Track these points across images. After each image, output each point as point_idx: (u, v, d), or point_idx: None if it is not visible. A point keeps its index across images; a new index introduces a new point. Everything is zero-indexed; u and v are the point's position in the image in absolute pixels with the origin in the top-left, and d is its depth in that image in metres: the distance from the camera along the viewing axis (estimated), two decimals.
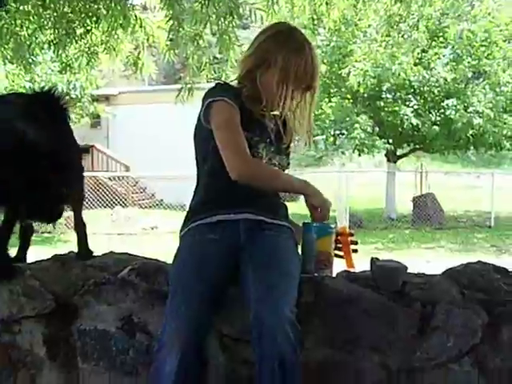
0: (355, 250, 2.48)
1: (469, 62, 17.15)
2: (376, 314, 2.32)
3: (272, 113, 2.48)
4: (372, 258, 2.46)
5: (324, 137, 17.40)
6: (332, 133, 17.67)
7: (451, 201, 18.74)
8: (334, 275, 2.46)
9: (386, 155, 19.23)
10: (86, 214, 2.60)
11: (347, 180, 17.45)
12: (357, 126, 16.69)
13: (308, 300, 2.27)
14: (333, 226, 2.43)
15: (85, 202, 2.70)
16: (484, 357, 2.39)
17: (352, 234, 2.52)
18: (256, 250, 2.24)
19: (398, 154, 19.47)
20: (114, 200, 17.16)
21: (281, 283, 2.12)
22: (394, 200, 18.58)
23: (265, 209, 2.36)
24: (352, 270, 2.45)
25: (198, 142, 2.45)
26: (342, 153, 19.10)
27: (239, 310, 2.23)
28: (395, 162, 19.46)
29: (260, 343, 1.99)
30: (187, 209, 2.44)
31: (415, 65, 16.94)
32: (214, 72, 5.38)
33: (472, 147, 18.39)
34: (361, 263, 2.49)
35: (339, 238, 2.48)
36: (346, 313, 2.28)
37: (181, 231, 2.39)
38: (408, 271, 2.46)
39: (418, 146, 19.12)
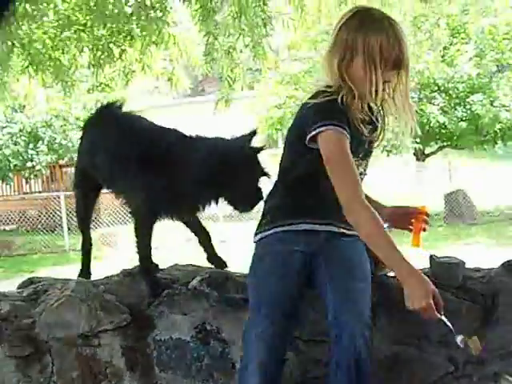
0: (424, 229, 2.53)
1: (492, 56, 17.09)
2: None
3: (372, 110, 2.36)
4: (431, 256, 2.52)
5: None
6: None
7: (482, 196, 18.59)
8: (392, 274, 2.52)
9: (414, 154, 19.19)
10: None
11: (377, 181, 17.44)
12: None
13: (373, 300, 2.34)
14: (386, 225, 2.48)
15: None
16: None
17: (428, 215, 2.57)
18: (334, 255, 2.28)
19: (426, 152, 19.42)
20: None
21: (359, 287, 2.19)
22: (424, 198, 18.50)
23: (345, 220, 2.27)
24: (416, 248, 2.48)
25: (290, 149, 2.40)
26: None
27: (309, 312, 2.32)
28: (424, 161, 19.41)
29: (339, 344, 2.07)
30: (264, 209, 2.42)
31: (439, 62, 16.93)
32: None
33: (500, 141, 18.28)
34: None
35: (416, 215, 2.54)
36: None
37: (258, 233, 2.38)
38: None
39: (445, 144, 19.05)
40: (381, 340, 2.38)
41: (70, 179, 19.58)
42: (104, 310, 2.33)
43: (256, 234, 2.40)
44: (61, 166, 19.56)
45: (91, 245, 2.69)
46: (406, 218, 2.57)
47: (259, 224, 2.40)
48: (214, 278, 2.41)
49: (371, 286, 2.30)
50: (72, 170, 19.10)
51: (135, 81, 6.28)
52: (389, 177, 19.20)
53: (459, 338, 2.07)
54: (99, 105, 2.77)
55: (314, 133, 2.18)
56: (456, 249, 11.74)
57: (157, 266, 2.60)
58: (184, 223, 2.60)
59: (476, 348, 2.09)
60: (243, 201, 2.37)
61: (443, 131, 17.96)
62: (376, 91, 2.21)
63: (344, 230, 2.31)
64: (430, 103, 17.13)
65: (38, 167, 18.01)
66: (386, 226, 2.42)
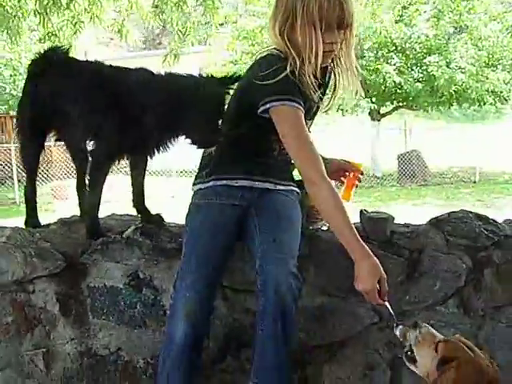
0: (356, 185, 2.63)
1: (450, 18, 17.18)
2: None
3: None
4: (361, 210, 2.61)
5: None
6: None
7: (436, 157, 18.86)
8: (325, 228, 2.61)
9: (369, 114, 19.30)
10: None
11: (331, 140, 17.54)
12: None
13: (303, 252, 2.42)
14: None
15: None
16: (468, 298, 2.57)
17: (362, 173, 2.66)
18: (266, 208, 2.35)
19: (381, 112, 19.55)
20: None
21: (286, 238, 2.26)
22: (378, 158, 18.73)
23: (281, 178, 2.43)
24: (346, 201, 2.53)
25: (238, 107, 2.39)
26: (325, 113, 19.17)
27: (239, 262, 2.39)
28: (379, 121, 19.55)
29: (265, 292, 2.15)
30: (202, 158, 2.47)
31: (396, 22, 16.98)
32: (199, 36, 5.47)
33: (455, 103, 18.50)
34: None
35: (351, 171, 2.63)
36: (339, 262, 2.43)
37: (197, 184, 2.43)
38: (395, 222, 2.62)
39: (401, 104, 19.20)
40: (309, 291, 2.46)
41: None
42: (39, 256, 2.36)
43: (194, 184, 2.45)
44: (11, 117, 19.25)
45: (35, 194, 2.69)
46: (340, 171, 2.65)
47: (198, 174, 2.46)
48: (147, 227, 2.46)
49: (302, 239, 2.38)
50: None
51: (89, 32, 6.20)
52: (344, 136, 19.34)
53: (399, 328, 2.15)
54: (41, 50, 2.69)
55: (268, 106, 2.20)
56: (404, 209, 11.98)
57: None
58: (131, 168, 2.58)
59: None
60: (203, 137, 2.34)
61: (399, 91, 18.08)
62: (317, 55, 2.20)
63: (280, 187, 2.39)
64: (387, 63, 17.22)
65: None
66: None
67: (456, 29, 18.10)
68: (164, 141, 2.37)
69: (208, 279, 2.19)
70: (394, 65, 17.36)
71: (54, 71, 2.50)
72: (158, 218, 2.55)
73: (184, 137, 2.34)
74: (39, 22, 5.42)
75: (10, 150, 16.14)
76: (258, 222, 2.28)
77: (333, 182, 2.32)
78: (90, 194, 2.45)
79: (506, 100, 17.89)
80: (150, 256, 2.43)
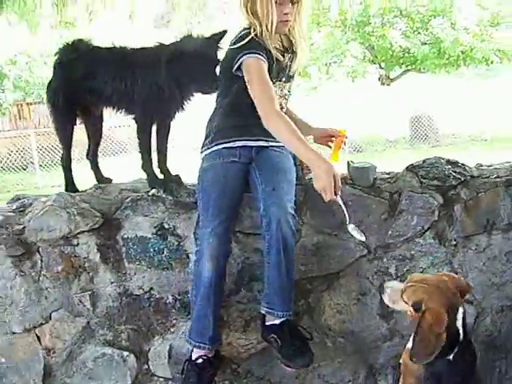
0: (343, 148, 3.08)
1: None
2: (354, 204, 2.94)
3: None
4: (348, 162, 3.07)
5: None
6: (324, 62, 18.04)
7: (447, 118, 19.06)
8: None
9: (379, 79, 19.60)
10: None
11: (344, 107, 17.84)
12: (347, 53, 17.06)
13: (299, 198, 2.89)
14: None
15: None
16: (442, 231, 3.03)
17: (346, 137, 3.11)
18: (264, 162, 2.83)
19: (390, 77, 19.84)
20: None
21: (284, 185, 2.73)
22: (390, 122, 19.02)
23: (272, 136, 2.82)
24: (335, 162, 2.96)
25: (224, 77, 2.83)
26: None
27: (247, 210, 2.87)
28: (389, 85, 19.85)
29: (269, 230, 2.63)
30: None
31: None
32: None
33: (462, 64, 18.70)
34: None
35: (334, 135, 3.08)
36: (330, 206, 2.89)
37: (203, 151, 2.92)
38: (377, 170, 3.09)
39: (409, 68, 19.46)
40: (307, 231, 2.94)
41: (38, 116, 19.61)
42: (80, 215, 2.82)
43: (201, 152, 2.95)
44: (28, 104, 19.44)
45: (71, 161, 3.16)
46: (327, 137, 3.12)
47: (204, 143, 2.95)
48: (169, 185, 2.94)
49: (298, 188, 2.86)
50: (41, 106, 19.08)
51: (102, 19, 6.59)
52: (355, 102, 19.62)
53: (351, 226, 2.64)
54: (67, 40, 3.13)
55: (238, 63, 2.71)
56: None
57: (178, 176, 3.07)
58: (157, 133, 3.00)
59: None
60: (208, 84, 2.79)
61: (407, 55, 18.37)
62: (272, 23, 2.70)
63: (272, 143, 2.86)
64: (393, 28, 17.50)
65: (4, 105, 17.83)
66: (311, 141, 3.00)
67: None
68: (182, 100, 2.86)
69: (224, 225, 2.66)
70: (400, 29, 17.62)
71: (83, 58, 2.96)
72: (178, 178, 3.02)
73: (195, 89, 2.83)
74: (57, 12, 5.82)
75: (29, 135, 16.43)
76: (259, 175, 2.76)
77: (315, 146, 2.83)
78: (142, 152, 2.93)
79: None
80: (173, 209, 2.89)
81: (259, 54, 2.70)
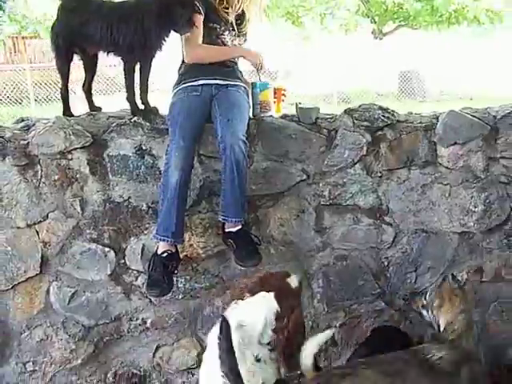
0: (283, 100, 3.77)
1: None
2: (298, 138, 3.62)
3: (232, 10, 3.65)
4: (296, 103, 3.73)
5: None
6: (318, 12, 18.43)
7: (436, 75, 19.45)
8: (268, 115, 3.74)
9: (372, 33, 20.00)
10: None
11: (335, 59, 18.29)
12: (341, 5, 17.45)
13: (253, 131, 3.56)
14: (269, 83, 3.70)
15: None
16: (369, 164, 3.71)
17: (285, 90, 3.78)
18: (222, 99, 3.51)
19: (383, 31, 20.24)
20: None
21: (236, 117, 3.40)
22: (380, 76, 19.48)
23: (228, 75, 3.62)
24: (279, 114, 3.75)
25: None
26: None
27: (209, 138, 3.53)
28: (381, 39, 20.26)
29: (224, 152, 3.30)
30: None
31: None
32: None
33: (455, 22, 19.07)
34: None
35: (276, 91, 3.75)
36: (278, 137, 3.57)
37: (174, 89, 3.64)
38: (321, 111, 3.75)
39: (402, 23, 19.84)
40: (258, 158, 3.61)
41: (34, 51, 19.78)
42: (75, 135, 3.45)
43: (172, 90, 3.66)
44: (23, 38, 19.43)
45: (68, 91, 3.80)
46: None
47: (174, 84, 3.68)
48: (148, 114, 3.59)
49: (253, 123, 3.53)
50: (35, 41, 19.25)
51: None
52: (347, 55, 20.04)
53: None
54: None
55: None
56: None
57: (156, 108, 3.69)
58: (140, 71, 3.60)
59: None
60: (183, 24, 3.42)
61: (400, 10, 18.75)
62: None
63: (228, 82, 3.55)
64: None
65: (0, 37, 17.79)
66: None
67: None
68: (161, 42, 3.47)
69: (189, 143, 3.32)
70: None
71: (80, 8, 3.56)
72: (155, 108, 3.66)
73: (169, 30, 3.46)
74: None
75: (24, 69, 16.62)
76: (218, 109, 3.43)
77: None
78: (127, 86, 3.56)
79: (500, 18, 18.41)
80: (150, 134, 3.54)
81: (199, 13, 3.48)
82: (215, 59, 3.61)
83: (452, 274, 3.22)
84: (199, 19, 3.47)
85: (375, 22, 19.43)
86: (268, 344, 2.68)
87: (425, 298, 3.19)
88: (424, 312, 3.18)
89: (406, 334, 3.57)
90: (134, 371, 3.81)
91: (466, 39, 22.84)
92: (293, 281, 2.92)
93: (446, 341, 2.86)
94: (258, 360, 2.63)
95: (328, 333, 2.78)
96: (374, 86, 19.19)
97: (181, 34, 3.49)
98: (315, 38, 19.28)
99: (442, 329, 2.99)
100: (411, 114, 3.95)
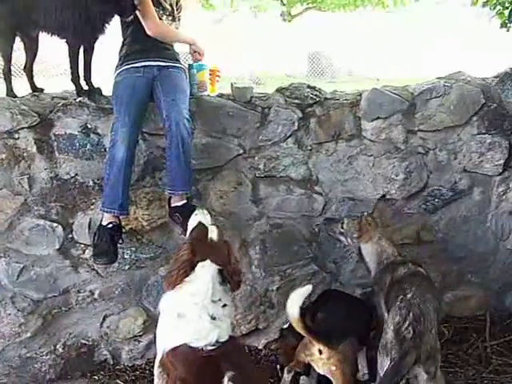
0: (218, 81, 4.03)
1: None
2: (235, 115, 3.89)
3: None
4: (231, 83, 3.98)
5: None
6: None
7: (345, 56, 19.93)
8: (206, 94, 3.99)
9: (281, 15, 20.30)
10: None
11: (245, 42, 18.48)
12: None
13: (193, 109, 3.78)
14: (206, 64, 3.94)
15: None
16: (300, 138, 4.01)
17: (219, 71, 4.04)
18: (165, 79, 3.72)
19: (292, 14, 20.59)
20: None
21: (180, 97, 3.62)
22: (290, 58, 19.82)
23: (169, 57, 3.83)
24: (214, 94, 4.00)
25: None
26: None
27: (152, 116, 3.74)
28: (290, 22, 20.59)
29: (170, 130, 3.52)
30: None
31: None
32: None
33: (360, 5, 19.61)
34: None
35: (211, 72, 3.99)
36: (216, 115, 3.82)
37: (116, 70, 3.81)
38: (254, 90, 4.01)
39: (310, 5, 20.23)
40: (198, 134, 3.84)
41: None
42: (21, 115, 3.58)
43: (115, 72, 3.83)
44: None
45: (11, 72, 3.90)
46: None
47: (116, 66, 3.84)
48: (93, 94, 3.76)
49: (193, 102, 3.77)
50: None
51: None
52: (257, 37, 20.29)
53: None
54: None
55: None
56: None
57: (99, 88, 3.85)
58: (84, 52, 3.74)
59: None
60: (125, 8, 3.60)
61: None
62: None
63: (169, 64, 3.78)
64: None
65: None
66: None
67: None
68: (103, 25, 3.64)
69: (133, 120, 3.51)
70: None
71: None
72: (99, 89, 3.84)
73: (112, 14, 3.64)
74: None
75: None
76: (161, 89, 3.65)
77: None
78: (72, 68, 3.71)
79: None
80: (95, 113, 3.72)
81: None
82: (172, 38, 3.90)
83: (368, 212, 3.82)
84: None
85: (284, 5, 19.73)
86: (220, 300, 2.94)
87: (342, 227, 3.72)
88: (342, 238, 3.75)
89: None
90: (83, 341, 3.98)
91: (370, 20, 23.44)
92: (213, 232, 3.14)
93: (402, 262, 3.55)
94: (214, 318, 2.89)
95: (308, 287, 3.15)
96: (283, 67, 19.46)
97: (124, 18, 3.66)
98: (226, 20, 19.44)
99: (364, 252, 3.67)
100: (336, 91, 4.26)
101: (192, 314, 2.87)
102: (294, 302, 3.04)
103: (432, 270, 3.87)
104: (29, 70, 3.97)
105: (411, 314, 3.09)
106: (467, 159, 4.19)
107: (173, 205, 3.67)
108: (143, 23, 3.71)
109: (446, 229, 4.29)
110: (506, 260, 4.42)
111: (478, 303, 4.48)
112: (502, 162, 4.21)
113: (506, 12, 5.06)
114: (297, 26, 20.79)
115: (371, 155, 4.09)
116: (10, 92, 3.86)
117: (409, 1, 19.06)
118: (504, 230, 4.36)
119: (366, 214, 3.76)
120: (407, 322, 3.06)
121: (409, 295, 3.20)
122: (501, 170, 4.24)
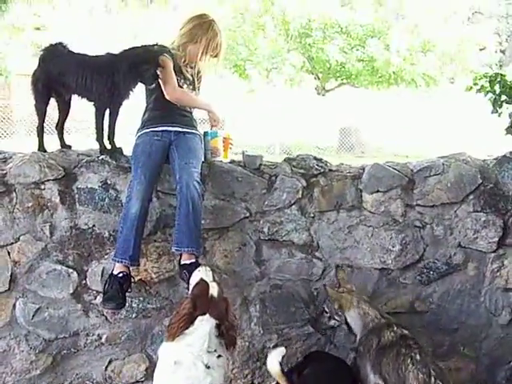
0: (231, 148, 4.36)
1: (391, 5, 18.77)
2: (243, 180, 4.18)
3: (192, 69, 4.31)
4: (243, 151, 4.30)
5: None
6: (265, 67, 19.23)
7: (374, 132, 20.27)
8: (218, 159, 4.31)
9: (315, 89, 20.86)
10: None
11: (279, 112, 19.00)
12: (287, 61, 18.29)
13: (205, 173, 4.10)
14: (219, 132, 4.28)
15: None
16: (304, 205, 4.27)
17: (231, 139, 4.39)
18: (180, 143, 4.06)
19: (326, 88, 21.15)
20: None
21: (193, 161, 3.95)
22: (321, 131, 20.27)
23: (186, 124, 4.19)
24: (226, 160, 4.32)
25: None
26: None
27: (166, 177, 4.06)
28: (324, 96, 21.14)
29: (181, 191, 3.83)
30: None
31: (342, 6, 18.53)
32: None
33: (394, 83, 20.08)
34: None
35: (224, 140, 4.33)
36: (226, 179, 4.13)
37: (137, 134, 4.17)
38: (264, 159, 4.33)
39: (344, 81, 20.78)
40: (208, 196, 4.13)
41: None
42: (48, 168, 3.94)
43: (136, 135, 4.19)
44: None
45: (43, 130, 4.27)
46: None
47: (138, 129, 4.20)
48: (114, 154, 4.10)
49: (205, 166, 4.09)
50: None
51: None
52: (291, 109, 20.78)
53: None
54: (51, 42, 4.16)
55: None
56: None
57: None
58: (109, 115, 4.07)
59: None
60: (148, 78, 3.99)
61: (342, 69, 19.67)
62: (199, 62, 4.27)
63: (186, 130, 4.12)
64: (332, 43, 18.79)
65: None
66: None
67: (397, 15, 19.71)
68: (128, 92, 4.01)
69: (148, 180, 3.84)
70: (338, 45, 18.92)
71: (60, 58, 4.07)
72: (120, 149, 4.18)
73: (136, 82, 4.03)
74: None
75: None
76: (176, 152, 3.98)
77: None
78: (97, 128, 4.06)
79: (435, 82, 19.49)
80: (115, 171, 4.05)
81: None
82: (190, 104, 4.26)
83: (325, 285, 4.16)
84: (170, 65, 4.05)
85: (319, 79, 20.30)
86: (215, 351, 3.20)
87: (326, 312, 3.99)
88: (332, 322, 4.00)
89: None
90: (88, 383, 4.22)
91: (405, 99, 23.86)
92: (213, 288, 3.42)
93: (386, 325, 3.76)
94: (208, 367, 3.15)
95: (282, 349, 3.61)
96: (314, 140, 19.85)
97: (147, 86, 4.03)
98: (260, 91, 20.00)
99: (349, 320, 3.88)
100: (342, 164, 4.55)
101: (188, 361, 3.14)
102: (273, 358, 3.42)
103: (424, 340, 4.07)
104: (60, 128, 4.33)
105: (432, 371, 3.42)
106: (463, 235, 4.38)
107: (182, 262, 3.89)
108: (163, 88, 4.05)
109: (439, 301, 4.44)
110: (499, 335, 4.53)
111: (470, 376, 4.57)
112: (496, 239, 4.38)
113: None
114: (330, 100, 21.28)
115: (370, 226, 4.32)
116: (41, 147, 4.22)
117: (438, 82, 19.41)
118: (497, 305, 4.49)
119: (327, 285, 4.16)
120: (432, 379, 3.39)
121: (417, 356, 3.51)
122: (495, 248, 4.40)
